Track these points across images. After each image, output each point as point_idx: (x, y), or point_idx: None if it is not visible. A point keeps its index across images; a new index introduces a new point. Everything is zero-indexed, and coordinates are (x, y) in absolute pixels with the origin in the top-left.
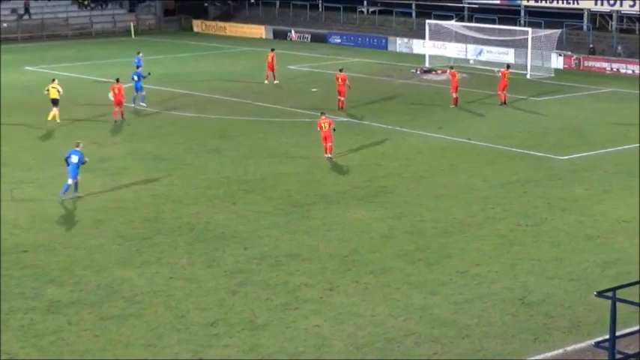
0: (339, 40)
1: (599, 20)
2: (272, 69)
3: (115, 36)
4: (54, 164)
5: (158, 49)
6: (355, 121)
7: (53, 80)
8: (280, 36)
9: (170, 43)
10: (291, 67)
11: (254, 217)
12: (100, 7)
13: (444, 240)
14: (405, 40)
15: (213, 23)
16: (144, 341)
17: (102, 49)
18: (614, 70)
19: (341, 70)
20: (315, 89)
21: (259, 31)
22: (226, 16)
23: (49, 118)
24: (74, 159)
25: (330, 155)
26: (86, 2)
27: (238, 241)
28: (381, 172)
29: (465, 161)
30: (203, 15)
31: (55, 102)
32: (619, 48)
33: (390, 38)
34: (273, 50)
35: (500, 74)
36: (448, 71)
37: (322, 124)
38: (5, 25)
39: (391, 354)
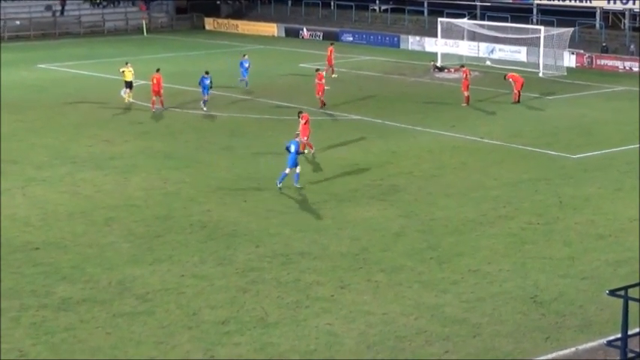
0: (351, 39)
1: (612, 18)
2: (330, 63)
3: (128, 34)
4: (65, 162)
5: (170, 47)
6: (366, 119)
7: (126, 64)
8: (292, 34)
9: (182, 41)
10: (303, 65)
11: (265, 216)
12: (112, 5)
13: (455, 238)
14: (417, 38)
15: (225, 21)
16: (155, 339)
17: (114, 47)
18: (627, 68)
19: (317, 70)
20: (327, 87)
21: (271, 29)
22: (238, 14)
23: (126, 100)
24: (292, 148)
25: (305, 151)
26: (98, 1)
27: (249, 239)
28: (392, 170)
29: (477, 160)
30: (215, 13)
31: (129, 84)
32: (632, 46)
33: (402, 36)
34: (332, 44)
35: (511, 80)
36: (461, 69)
37: (308, 120)
38: (18, 22)
39: (402, 352)
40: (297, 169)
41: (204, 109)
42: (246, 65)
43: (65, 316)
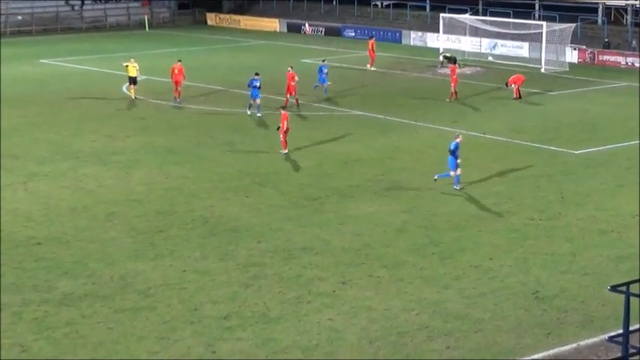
0: (353, 34)
1: (614, 14)
2: (372, 55)
3: (130, 29)
4: (67, 157)
5: (172, 42)
6: (368, 114)
7: (131, 59)
8: (294, 29)
9: (184, 36)
10: (305, 60)
11: (267, 211)
12: (114, 0)
13: (457, 234)
14: (419, 33)
15: (227, 16)
16: (157, 334)
17: (116, 42)
18: (629, 64)
19: (292, 68)
20: (329, 83)
21: (273, 24)
22: (240, 10)
23: (133, 96)
24: (451, 150)
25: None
26: None
27: (251, 235)
28: (394, 165)
29: (479, 155)
30: (217, 8)
31: (133, 80)
32: (634, 42)
33: (404, 32)
34: (372, 37)
35: (513, 85)
36: (449, 66)
37: (288, 118)
38: (20, 17)
39: (404, 348)
40: (458, 172)
41: (250, 112)
42: (325, 71)
43: (67, 311)
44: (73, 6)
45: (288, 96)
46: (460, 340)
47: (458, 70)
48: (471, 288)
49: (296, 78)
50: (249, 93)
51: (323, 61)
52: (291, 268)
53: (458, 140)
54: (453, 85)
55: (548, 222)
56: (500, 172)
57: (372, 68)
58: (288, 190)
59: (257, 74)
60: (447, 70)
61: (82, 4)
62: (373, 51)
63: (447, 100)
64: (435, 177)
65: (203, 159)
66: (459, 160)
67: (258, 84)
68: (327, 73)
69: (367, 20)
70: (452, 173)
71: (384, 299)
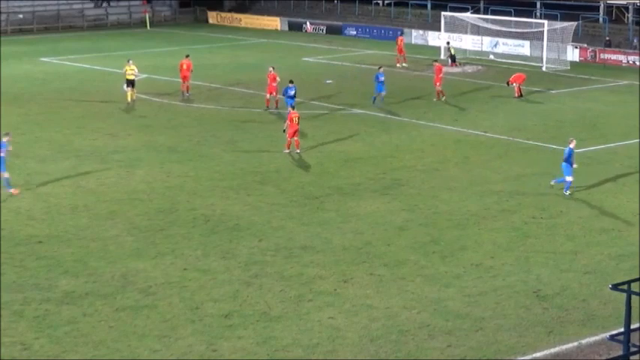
0: (355, 32)
1: (616, 12)
2: (401, 53)
3: (131, 27)
4: (68, 155)
5: (173, 40)
6: (369, 113)
7: (128, 61)
8: (296, 28)
9: (185, 34)
10: (306, 59)
11: (268, 209)
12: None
13: (458, 232)
14: (421, 32)
15: (228, 15)
16: (158, 332)
17: (117, 40)
18: (631, 62)
19: (274, 68)
20: (329, 81)
21: (275, 22)
22: (242, 8)
23: (129, 99)
24: (565, 155)
25: (298, 150)
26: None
27: (253, 233)
28: (395, 164)
29: (480, 154)
30: (218, 7)
31: (130, 83)
32: (635, 40)
33: (406, 30)
34: (401, 34)
35: (514, 83)
36: (434, 65)
37: (293, 118)
38: (21, 16)
39: (405, 346)
40: (569, 178)
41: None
42: (382, 79)
43: (68, 309)
44: (99, 3)
45: (268, 96)
46: (461, 339)
47: (457, 70)
48: (471, 286)
49: (277, 79)
50: (285, 101)
51: (379, 68)
52: (292, 266)
53: (572, 145)
54: (438, 84)
55: (549, 220)
56: (502, 171)
57: (404, 64)
58: (289, 189)
59: (291, 82)
60: (447, 69)
61: (108, 3)
62: (402, 48)
63: (443, 99)
64: (552, 182)
65: (204, 157)
66: (574, 166)
67: (292, 92)
68: (383, 81)
69: (368, 19)
70: (568, 179)
71: (385, 298)
